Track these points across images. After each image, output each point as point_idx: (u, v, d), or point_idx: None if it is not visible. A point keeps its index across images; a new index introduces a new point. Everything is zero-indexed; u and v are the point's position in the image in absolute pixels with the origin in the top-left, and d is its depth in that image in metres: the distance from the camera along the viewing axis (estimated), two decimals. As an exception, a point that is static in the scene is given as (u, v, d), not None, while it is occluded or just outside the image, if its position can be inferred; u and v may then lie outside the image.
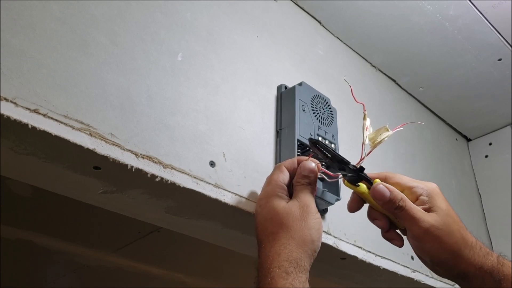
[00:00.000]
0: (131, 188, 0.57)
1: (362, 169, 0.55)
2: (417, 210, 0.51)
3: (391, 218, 0.55)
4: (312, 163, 0.58)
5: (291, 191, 0.58)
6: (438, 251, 0.50)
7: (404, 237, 0.56)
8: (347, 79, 0.96)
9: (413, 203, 0.52)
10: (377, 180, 0.54)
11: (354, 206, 0.57)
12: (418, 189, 0.54)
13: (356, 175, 0.55)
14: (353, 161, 0.60)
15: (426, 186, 0.54)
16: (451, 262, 0.50)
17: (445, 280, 0.95)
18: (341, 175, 0.58)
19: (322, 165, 0.61)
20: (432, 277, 0.91)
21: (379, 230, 0.57)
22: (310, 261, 0.52)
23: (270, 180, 0.59)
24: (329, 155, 0.55)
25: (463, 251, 0.50)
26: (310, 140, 0.58)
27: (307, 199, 0.55)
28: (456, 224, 0.52)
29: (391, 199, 0.51)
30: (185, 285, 1.93)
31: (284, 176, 0.59)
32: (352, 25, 0.98)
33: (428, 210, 0.52)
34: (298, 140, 0.68)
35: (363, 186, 0.55)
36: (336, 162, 0.55)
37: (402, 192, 0.53)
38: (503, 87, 1.13)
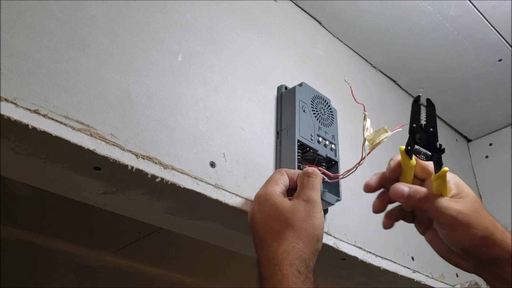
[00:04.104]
0: (131, 188, 0.57)
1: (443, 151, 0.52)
2: (443, 199, 0.50)
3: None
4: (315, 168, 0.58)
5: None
6: (469, 237, 0.49)
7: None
8: (347, 80, 0.96)
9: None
10: (446, 168, 0.51)
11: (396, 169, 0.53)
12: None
13: (437, 156, 0.51)
14: (353, 162, 0.60)
15: (451, 174, 0.53)
16: (483, 248, 0.50)
17: (445, 280, 0.95)
18: (341, 176, 0.57)
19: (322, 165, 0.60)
20: (432, 278, 0.91)
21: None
22: (315, 261, 0.52)
23: (269, 180, 0.59)
24: (424, 122, 0.51)
25: (495, 236, 0.50)
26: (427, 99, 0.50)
27: (314, 195, 0.54)
28: (484, 210, 0.51)
29: (410, 194, 0.50)
30: (186, 286, 1.93)
31: (284, 178, 0.58)
32: (352, 25, 0.98)
33: (455, 196, 0.51)
34: (299, 141, 0.68)
35: (413, 161, 0.53)
36: (422, 133, 0.50)
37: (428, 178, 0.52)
38: (503, 87, 1.13)
